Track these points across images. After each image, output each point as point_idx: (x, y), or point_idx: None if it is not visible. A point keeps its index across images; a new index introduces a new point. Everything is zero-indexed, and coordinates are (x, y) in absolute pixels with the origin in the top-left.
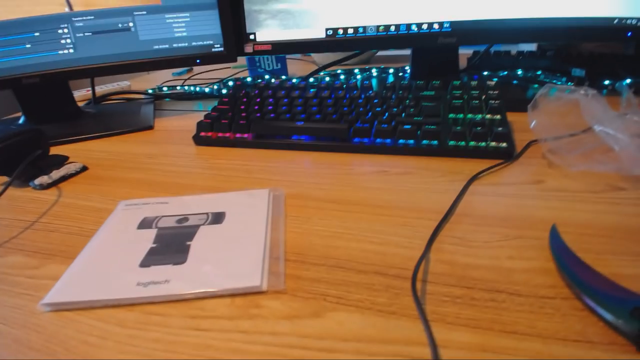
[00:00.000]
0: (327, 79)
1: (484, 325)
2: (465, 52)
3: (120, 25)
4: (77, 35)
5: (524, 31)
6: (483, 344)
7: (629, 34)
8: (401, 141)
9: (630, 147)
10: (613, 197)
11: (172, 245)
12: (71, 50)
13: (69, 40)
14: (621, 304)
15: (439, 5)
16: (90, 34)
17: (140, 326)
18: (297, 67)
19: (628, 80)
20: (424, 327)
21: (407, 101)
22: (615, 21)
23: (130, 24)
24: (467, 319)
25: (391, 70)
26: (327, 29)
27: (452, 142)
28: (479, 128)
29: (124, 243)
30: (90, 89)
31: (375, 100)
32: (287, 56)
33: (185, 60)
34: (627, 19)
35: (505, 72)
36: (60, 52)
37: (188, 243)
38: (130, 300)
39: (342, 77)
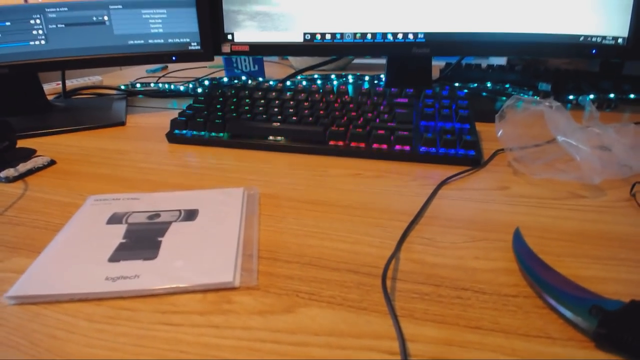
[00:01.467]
0: (304, 83)
1: (450, 321)
2: (438, 64)
3: (94, 19)
4: (50, 26)
5: (495, 45)
6: (449, 338)
7: (594, 51)
8: (375, 145)
9: (591, 157)
10: (574, 204)
11: (142, 240)
12: (43, 42)
13: (40, 32)
14: (580, 302)
15: (414, 16)
16: (63, 25)
17: (108, 320)
18: (275, 70)
19: (591, 96)
20: (393, 322)
21: (382, 107)
22: (581, 38)
23: (105, 18)
24: (434, 314)
25: (367, 78)
26: (305, 34)
27: (423, 148)
28: (449, 136)
29: (92, 238)
30: (60, 82)
31: (351, 105)
32: (265, 59)
33: (160, 56)
34: (592, 36)
35: (475, 85)
36: (32, 43)
37: (159, 239)
38: (99, 294)
39: (318, 81)
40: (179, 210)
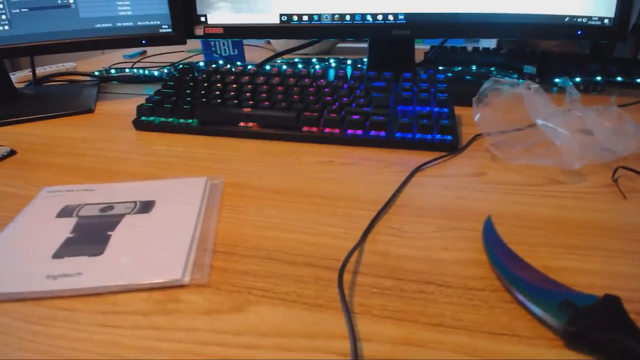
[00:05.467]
0: (284, 67)
1: (409, 318)
2: (424, 47)
3: (59, 2)
4: (13, 11)
5: (477, 26)
6: (406, 337)
7: (579, 32)
8: (349, 131)
9: (570, 141)
10: (552, 190)
11: (90, 235)
12: (6, 27)
13: (4, 17)
14: (549, 297)
15: None
16: (27, 10)
17: (45, 322)
18: (256, 55)
19: (577, 79)
20: (345, 320)
21: (358, 91)
22: (566, 19)
23: (70, 0)
24: (394, 311)
25: (349, 62)
26: (281, 15)
27: (399, 134)
28: (425, 120)
29: (39, 232)
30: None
31: (326, 90)
32: (247, 43)
33: (129, 40)
34: (577, 17)
35: (460, 68)
36: None
37: (109, 233)
38: (38, 293)
39: (299, 66)
40: (134, 202)
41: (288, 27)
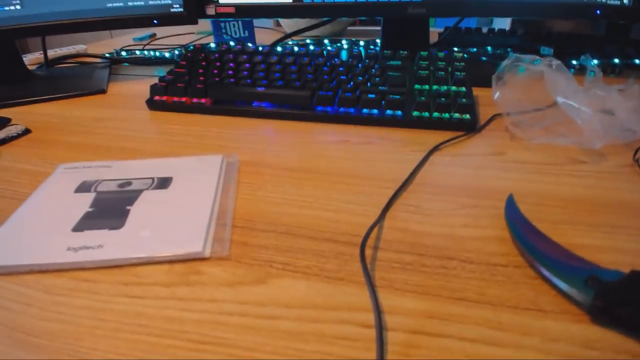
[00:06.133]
0: (296, 48)
1: (432, 292)
2: (438, 30)
3: None
4: None
5: (494, 4)
6: (430, 311)
7: (598, 11)
8: (365, 110)
9: (592, 120)
10: (573, 169)
11: (110, 209)
12: (18, 7)
13: None
14: (575, 273)
15: None
16: None
17: (67, 292)
18: (266, 37)
19: (595, 61)
20: (369, 292)
21: (373, 70)
22: None
23: None
24: (416, 285)
25: (362, 43)
26: None
27: (415, 113)
28: (443, 99)
29: (58, 206)
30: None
31: (341, 69)
32: (257, 25)
33: (141, 20)
34: None
35: (475, 49)
36: (7, 8)
37: (128, 208)
38: (59, 265)
39: (311, 47)
40: (152, 178)
41: (301, 6)
